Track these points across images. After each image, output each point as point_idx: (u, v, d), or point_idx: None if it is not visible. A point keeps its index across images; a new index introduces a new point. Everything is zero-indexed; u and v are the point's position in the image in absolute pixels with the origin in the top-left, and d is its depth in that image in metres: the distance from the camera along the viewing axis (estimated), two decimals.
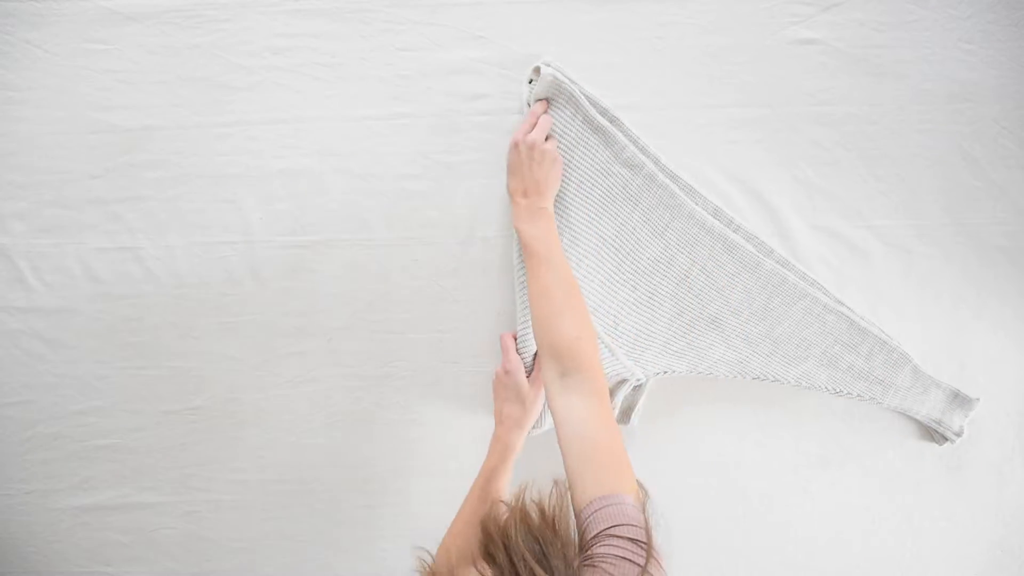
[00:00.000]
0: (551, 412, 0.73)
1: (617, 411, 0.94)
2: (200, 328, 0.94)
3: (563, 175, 0.89)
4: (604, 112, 0.90)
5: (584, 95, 0.89)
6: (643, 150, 0.90)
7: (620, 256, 0.92)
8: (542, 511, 0.60)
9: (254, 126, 0.95)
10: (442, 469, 0.96)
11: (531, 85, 0.91)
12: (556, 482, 0.64)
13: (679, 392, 0.95)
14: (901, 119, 0.94)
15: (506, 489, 0.84)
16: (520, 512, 0.59)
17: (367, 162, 0.95)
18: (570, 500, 0.63)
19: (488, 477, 0.84)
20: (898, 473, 0.96)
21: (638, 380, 0.92)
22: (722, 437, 0.95)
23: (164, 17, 0.94)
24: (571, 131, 0.89)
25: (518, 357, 0.89)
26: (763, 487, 0.96)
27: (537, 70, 0.90)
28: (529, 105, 0.91)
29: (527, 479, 0.64)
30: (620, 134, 0.89)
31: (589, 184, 0.90)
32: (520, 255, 0.86)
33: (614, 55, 0.95)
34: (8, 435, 0.96)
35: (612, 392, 0.93)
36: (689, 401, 0.95)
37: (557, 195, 0.89)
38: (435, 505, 0.96)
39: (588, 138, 0.89)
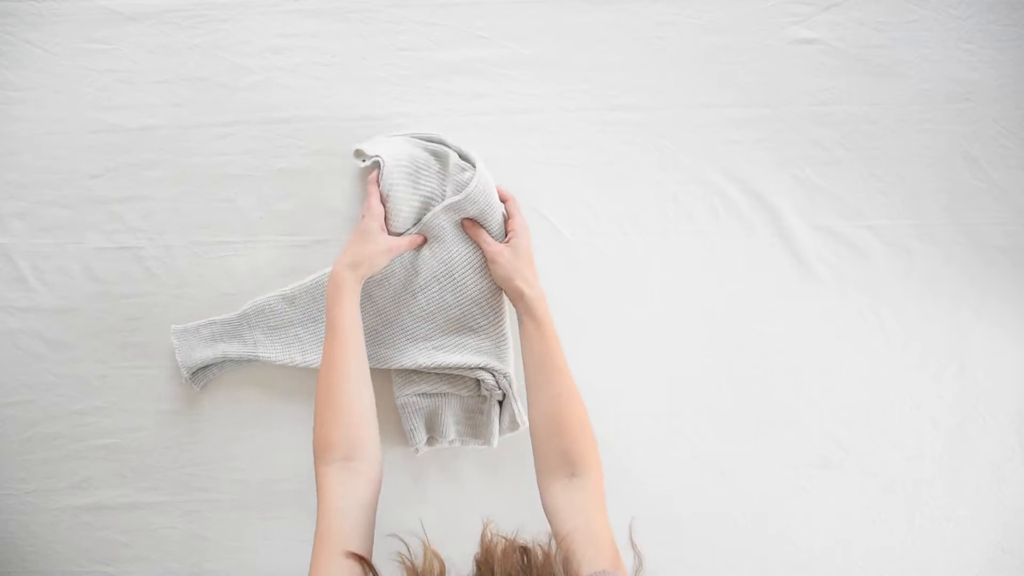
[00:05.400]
0: (552, 507, 0.73)
1: (503, 423, 0.93)
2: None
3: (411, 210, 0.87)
4: (430, 137, 0.90)
5: (406, 134, 0.90)
6: (464, 155, 0.89)
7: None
8: (546, 555, 0.64)
9: (254, 126, 0.95)
10: (442, 467, 0.96)
11: (363, 164, 0.88)
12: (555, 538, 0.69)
13: (680, 392, 0.95)
14: (901, 119, 0.94)
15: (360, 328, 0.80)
16: (521, 549, 0.63)
17: None
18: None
19: (343, 311, 0.78)
20: (898, 473, 0.96)
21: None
22: (722, 437, 0.95)
23: (164, 17, 0.94)
24: (419, 166, 0.87)
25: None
26: (763, 487, 0.96)
27: (359, 152, 0.87)
28: (380, 166, 0.86)
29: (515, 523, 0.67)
30: (445, 147, 0.89)
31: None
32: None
33: (614, 55, 0.95)
34: (8, 435, 0.96)
35: (489, 418, 0.92)
36: (689, 401, 0.95)
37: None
38: (435, 502, 0.96)
39: (433, 164, 0.88)
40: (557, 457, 0.75)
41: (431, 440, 0.94)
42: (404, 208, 0.86)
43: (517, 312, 0.85)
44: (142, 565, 0.97)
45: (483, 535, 0.66)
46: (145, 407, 0.96)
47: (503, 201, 0.89)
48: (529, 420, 0.80)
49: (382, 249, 0.83)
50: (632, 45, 0.95)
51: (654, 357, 0.95)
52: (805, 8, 0.94)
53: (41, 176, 0.95)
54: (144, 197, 0.95)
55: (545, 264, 0.94)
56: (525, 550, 0.63)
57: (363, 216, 0.84)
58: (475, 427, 0.93)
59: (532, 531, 0.66)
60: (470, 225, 0.88)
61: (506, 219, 0.89)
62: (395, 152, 0.86)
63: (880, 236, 0.95)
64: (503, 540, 0.65)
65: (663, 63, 0.95)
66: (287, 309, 0.93)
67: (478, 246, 0.88)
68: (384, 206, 0.85)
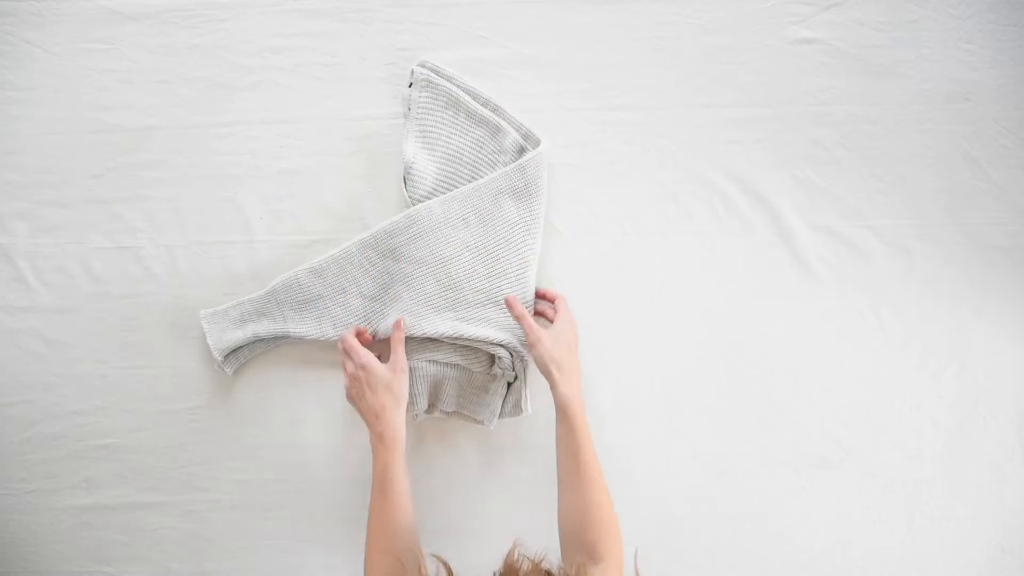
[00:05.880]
0: None
1: (507, 407, 0.93)
2: (200, 328, 0.94)
3: (458, 173, 0.92)
4: (487, 103, 0.92)
5: (464, 88, 0.92)
6: (526, 136, 0.92)
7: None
8: None
9: (254, 126, 0.95)
10: (440, 466, 0.96)
11: (411, 88, 0.92)
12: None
13: (680, 392, 0.95)
14: (901, 119, 0.94)
15: (407, 484, 0.80)
16: (546, 572, 0.65)
17: (367, 162, 0.95)
18: None
19: (382, 479, 0.79)
20: (898, 473, 0.96)
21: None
22: (722, 437, 0.95)
23: (164, 17, 0.94)
24: (457, 129, 0.92)
25: (366, 351, 0.84)
26: (763, 487, 0.96)
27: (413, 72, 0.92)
28: (410, 108, 0.92)
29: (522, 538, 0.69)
30: (504, 122, 0.92)
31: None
32: None
33: (614, 55, 0.95)
34: (8, 435, 0.96)
35: (493, 398, 0.93)
36: (690, 401, 0.95)
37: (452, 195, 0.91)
38: (434, 502, 0.96)
39: (473, 131, 0.92)
40: (581, 549, 0.76)
41: (430, 408, 0.94)
42: (430, 168, 0.91)
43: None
44: (142, 565, 0.97)
45: (509, 554, 0.68)
46: (145, 407, 0.96)
47: (551, 299, 0.91)
48: (558, 511, 0.80)
49: (400, 380, 0.83)
50: (632, 45, 0.95)
51: (654, 357, 0.95)
52: (805, 8, 0.94)
53: (41, 176, 0.95)
54: (144, 197, 0.95)
55: (546, 264, 0.94)
56: (549, 574, 0.65)
57: (369, 376, 0.82)
58: (477, 404, 0.93)
59: (558, 556, 0.69)
60: (513, 303, 0.86)
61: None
62: (422, 131, 0.91)
63: (880, 236, 0.95)
64: (528, 561, 0.67)
65: (663, 63, 0.95)
66: (315, 282, 0.92)
67: (519, 216, 0.89)
68: (410, 171, 0.91)
